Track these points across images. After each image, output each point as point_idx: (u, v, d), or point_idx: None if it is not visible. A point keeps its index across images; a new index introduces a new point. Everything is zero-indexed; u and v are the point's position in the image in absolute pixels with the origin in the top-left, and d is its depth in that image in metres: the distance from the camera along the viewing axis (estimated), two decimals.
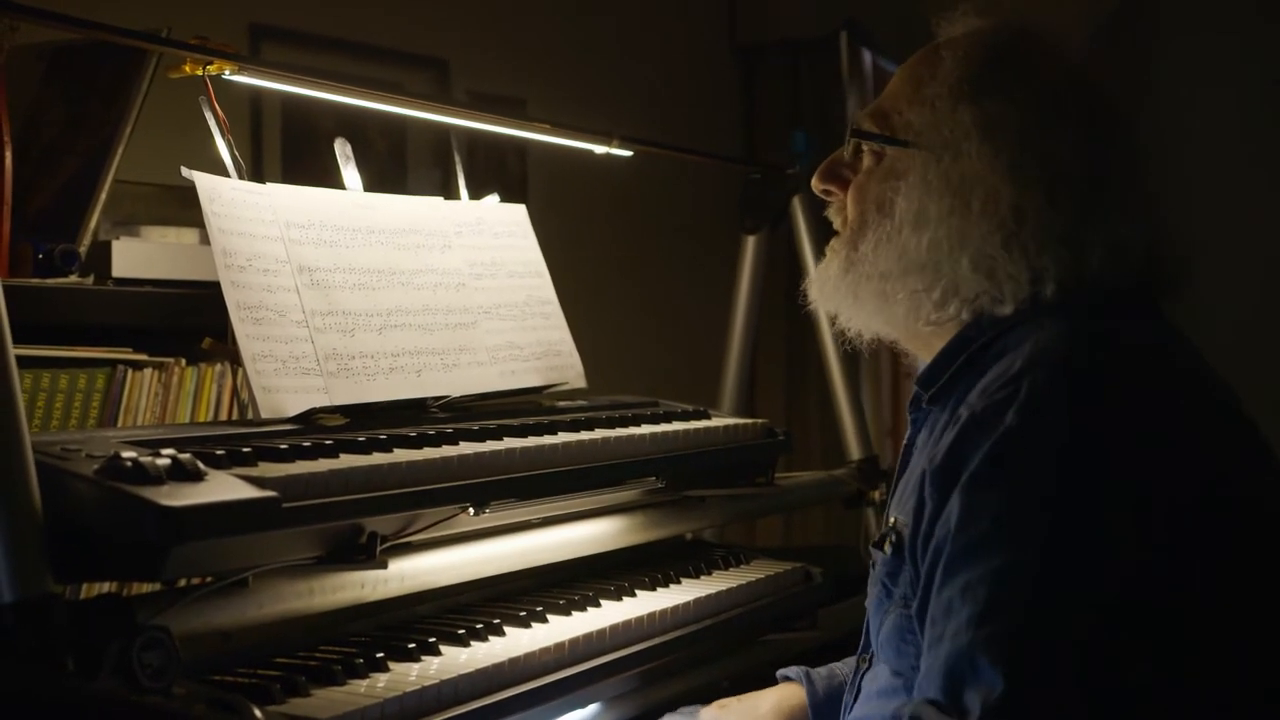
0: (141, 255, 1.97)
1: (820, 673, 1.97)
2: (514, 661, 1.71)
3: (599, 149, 2.58)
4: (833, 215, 1.76)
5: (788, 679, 1.99)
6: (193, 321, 1.91)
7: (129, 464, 1.38)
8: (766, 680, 2.03)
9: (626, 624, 1.93)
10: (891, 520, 1.62)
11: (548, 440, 1.92)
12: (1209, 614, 1.43)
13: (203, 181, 1.85)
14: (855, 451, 2.98)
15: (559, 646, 1.79)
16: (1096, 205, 1.58)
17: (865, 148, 1.70)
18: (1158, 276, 1.62)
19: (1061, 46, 1.67)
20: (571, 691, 1.79)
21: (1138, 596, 1.40)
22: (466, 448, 1.79)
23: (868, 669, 1.70)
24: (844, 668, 1.98)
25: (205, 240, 1.88)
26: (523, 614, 1.89)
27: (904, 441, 1.71)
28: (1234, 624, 1.44)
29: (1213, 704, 1.43)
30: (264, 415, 1.77)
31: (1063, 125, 1.59)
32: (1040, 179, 1.57)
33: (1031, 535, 1.39)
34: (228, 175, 1.92)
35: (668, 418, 2.26)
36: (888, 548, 1.61)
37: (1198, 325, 1.67)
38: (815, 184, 1.76)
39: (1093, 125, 1.61)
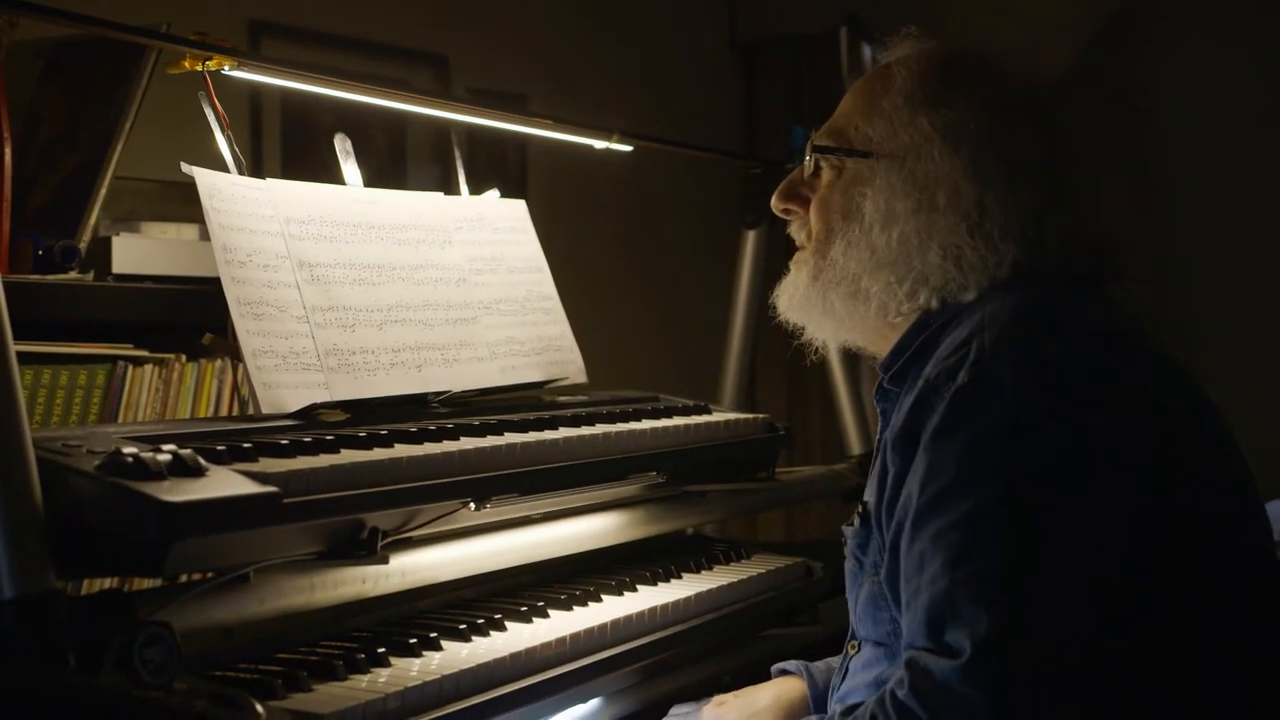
0: (141, 251, 1.97)
1: (819, 666, 1.99)
2: (515, 656, 1.72)
3: (599, 144, 2.58)
4: (795, 232, 1.84)
5: (785, 672, 2.00)
6: (193, 317, 1.91)
7: (130, 460, 1.38)
8: (767, 675, 2.03)
9: (628, 619, 1.93)
10: (862, 501, 1.72)
11: (548, 435, 1.92)
12: (1168, 545, 1.50)
13: (202, 177, 1.85)
14: (856, 446, 2.99)
15: (560, 641, 1.79)
16: (1052, 194, 1.68)
17: (824, 164, 1.79)
18: (1106, 262, 1.72)
19: (1002, 58, 1.78)
20: (572, 686, 1.79)
21: (1101, 528, 1.47)
22: (467, 443, 1.79)
23: (856, 653, 1.75)
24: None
25: (205, 236, 1.88)
26: (524, 609, 1.89)
27: (876, 436, 1.74)
28: (1193, 553, 1.51)
29: (1191, 624, 1.50)
30: (265, 410, 1.77)
31: (1016, 122, 1.70)
32: (999, 173, 1.67)
33: (994, 477, 1.47)
34: (227, 171, 1.92)
35: (668, 413, 2.26)
36: (855, 520, 1.72)
37: (1196, 325, 1.70)
38: (775, 204, 1.85)
39: (1042, 122, 1.72)
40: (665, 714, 2.00)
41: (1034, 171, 1.67)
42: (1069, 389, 1.50)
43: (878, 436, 1.74)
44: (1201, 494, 1.55)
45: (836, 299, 1.74)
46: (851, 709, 1.55)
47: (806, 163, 1.80)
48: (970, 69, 1.75)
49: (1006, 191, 1.65)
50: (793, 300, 1.81)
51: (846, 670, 1.77)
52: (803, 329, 1.83)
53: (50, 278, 1.86)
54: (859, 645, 1.74)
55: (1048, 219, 1.66)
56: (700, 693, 2.04)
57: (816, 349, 1.87)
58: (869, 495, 1.70)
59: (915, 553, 1.49)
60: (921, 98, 1.71)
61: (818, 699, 1.95)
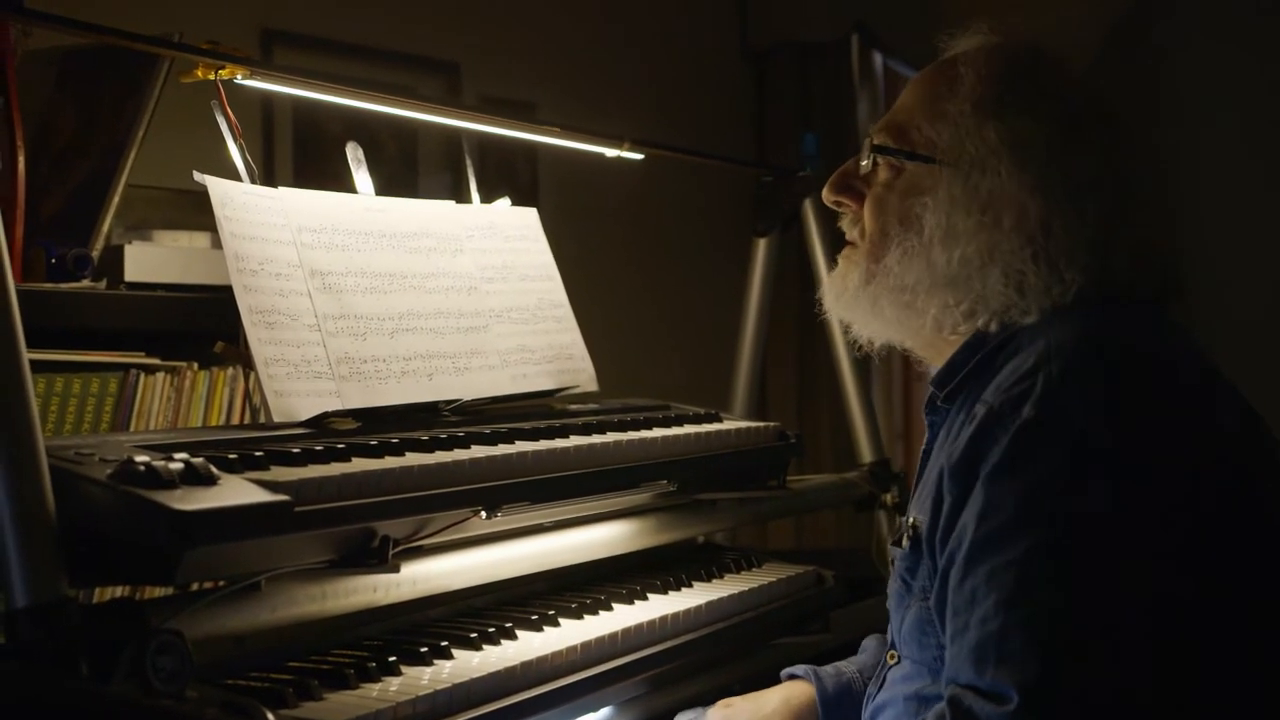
0: (154, 259, 1.98)
1: (828, 670, 1.98)
2: (526, 665, 1.72)
3: (610, 152, 2.58)
4: (847, 226, 1.77)
5: (794, 676, 2.00)
6: (205, 326, 1.92)
7: (142, 468, 1.39)
8: (777, 683, 2.02)
9: (639, 627, 1.93)
10: (910, 519, 1.65)
11: (559, 443, 1.92)
12: (1229, 595, 1.45)
13: (215, 186, 1.86)
14: (867, 454, 2.98)
15: (571, 650, 1.79)
16: (1120, 214, 1.61)
17: (882, 161, 1.71)
18: (1167, 281, 1.66)
19: (1070, 62, 1.71)
20: (584, 695, 1.79)
21: (1161, 577, 1.42)
22: (478, 451, 1.79)
23: (895, 664, 1.72)
24: (849, 666, 1.99)
25: (217, 244, 1.88)
26: (534, 617, 1.89)
27: (923, 445, 1.72)
28: (1253, 603, 1.47)
29: (1245, 680, 1.46)
30: (276, 419, 1.77)
31: (1084, 139, 1.63)
32: (1066, 193, 1.60)
33: (1054, 520, 1.42)
34: (240, 179, 1.92)
35: (679, 421, 2.26)
36: (905, 543, 1.65)
37: (1203, 329, 1.69)
38: (827, 195, 1.78)
39: (1111, 138, 1.65)
40: None
41: (1101, 191, 1.61)
42: (1137, 435, 1.45)
43: (923, 448, 1.71)
44: (1273, 541, 1.49)
45: (888, 305, 1.68)
46: None
47: (864, 158, 1.73)
48: (1039, 76, 1.67)
49: (1073, 212, 1.59)
50: (841, 298, 1.74)
51: (884, 680, 1.73)
52: (849, 325, 1.77)
53: (63, 286, 1.87)
54: (899, 658, 1.70)
55: (1114, 241, 1.60)
56: (710, 701, 2.04)
57: (860, 345, 1.79)
58: (918, 514, 1.63)
59: (967, 589, 1.45)
60: (990, 106, 1.64)
61: (826, 703, 1.94)
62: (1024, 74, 1.68)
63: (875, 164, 1.72)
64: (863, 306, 1.71)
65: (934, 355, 1.73)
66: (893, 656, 1.72)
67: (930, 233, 1.64)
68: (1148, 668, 1.40)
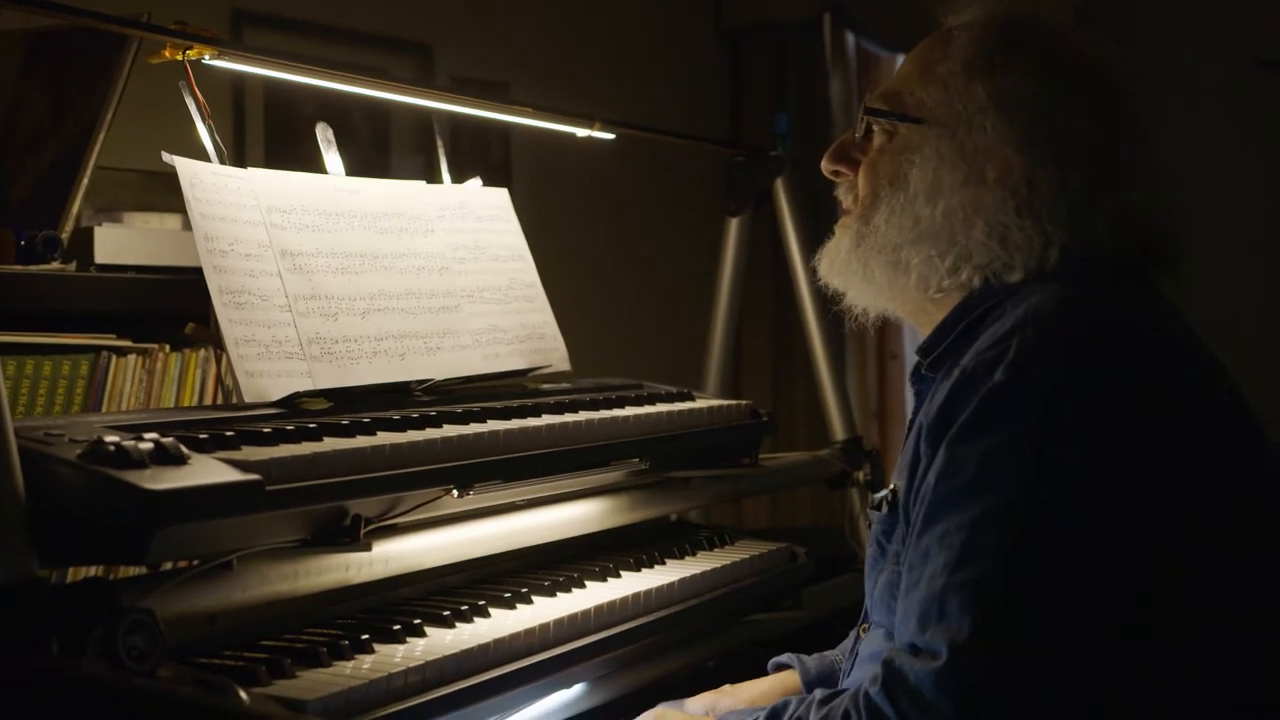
0: (124, 241, 1.97)
1: (812, 657, 1.99)
2: (499, 643, 1.72)
3: (581, 132, 2.58)
4: (842, 195, 1.79)
5: (781, 666, 2.01)
6: (176, 307, 1.91)
7: (112, 448, 1.39)
8: (752, 660, 2.04)
9: (611, 605, 1.94)
10: (891, 485, 1.67)
11: (531, 422, 1.92)
12: (1187, 569, 1.46)
13: (184, 166, 1.85)
14: (840, 432, 2.99)
15: (544, 628, 1.80)
16: (1105, 174, 1.62)
17: (877, 127, 1.73)
18: (1157, 250, 1.66)
19: (1067, 27, 1.72)
20: (556, 672, 1.80)
21: (1116, 549, 1.43)
22: (450, 430, 1.80)
23: (866, 635, 1.73)
24: (834, 653, 2.00)
25: (188, 226, 1.87)
26: (507, 595, 1.90)
27: (909, 417, 1.73)
28: (1215, 579, 1.47)
29: (1189, 660, 1.46)
30: (247, 399, 1.77)
31: (1073, 98, 1.64)
32: (1051, 149, 1.62)
33: (1010, 486, 1.43)
34: (209, 160, 1.92)
35: (652, 400, 2.27)
36: (884, 507, 1.67)
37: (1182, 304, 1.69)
38: (825, 165, 1.79)
39: (1100, 98, 1.66)
40: (649, 698, 2.00)
41: (1088, 149, 1.62)
42: (1103, 409, 1.45)
43: (910, 419, 1.71)
44: (1246, 529, 1.49)
45: (877, 267, 1.70)
46: (830, 697, 1.54)
47: (860, 124, 1.75)
48: (1032, 37, 1.69)
49: (1056, 168, 1.60)
50: (834, 265, 1.76)
51: (856, 656, 1.75)
52: (843, 295, 1.78)
53: (33, 268, 1.86)
54: (870, 626, 1.72)
55: (1098, 201, 1.61)
56: (684, 678, 2.05)
57: (855, 316, 1.81)
58: (897, 479, 1.65)
59: (922, 546, 1.47)
60: (979, 66, 1.66)
61: (809, 684, 1.94)
62: (1017, 35, 1.69)
63: (870, 131, 1.74)
64: (855, 272, 1.73)
65: (925, 321, 1.73)
66: (864, 628, 1.74)
67: (915, 188, 1.66)
68: (1086, 645, 1.41)
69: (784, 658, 2.01)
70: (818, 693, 1.58)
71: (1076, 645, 1.41)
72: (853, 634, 1.95)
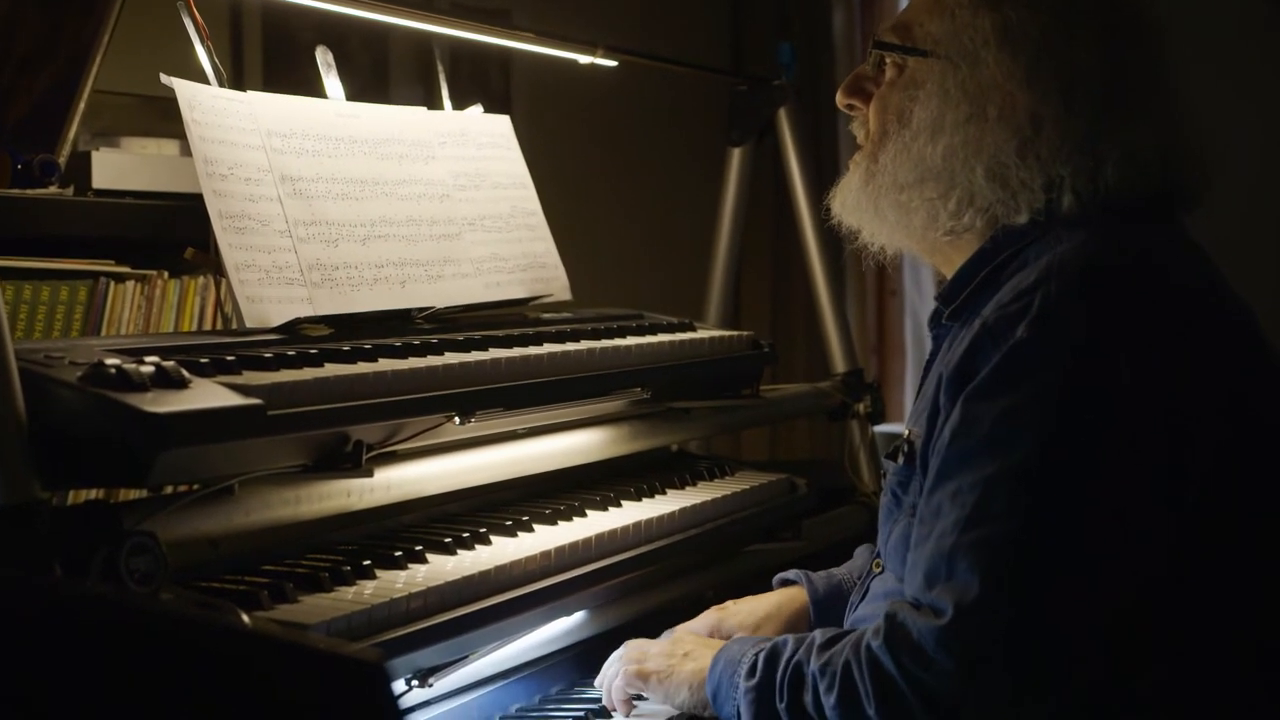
0: (122, 166, 1.96)
1: (819, 574, 1.99)
2: (500, 569, 1.73)
3: (584, 59, 2.55)
4: (856, 129, 1.77)
5: (787, 582, 2.01)
6: (175, 233, 1.90)
7: (113, 371, 1.38)
8: (750, 589, 2.04)
9: (612, 533, 1.94)
10: (906, 433, 1.65)
11: (533, 351, 1.92)
12: (1209, 536, 1.44)
13: (183, 89, 1.83)
14: (840, 364, 2.99)
15: (545, 555, 1.80)
16: (1113, 112, 1.58)
17: (888, 60, 1.70)
18: (1176, 186, 1.62)
19: None
20: (557, 599, 1.81)
21: (1132, 518, 1.41)
22: (451, 357, 1.79)
23: (880, 573, 1.73)
24: (841, 571, 2.00)
25: (186, 151, 1.86)
26: (508, 523, 1.90)
27: (925, 358, 1.72)
28: (1235, 548, 1.46)
29: (1200, 631, 1.45)
30: (248, 324, 1.76)
31: (1082, 31, 1.60)
32: (1057, 86, 1.58)
33: (1028, 447, 1.41)
34: (208, 84, 1.89)
35: (653, 330, 2.26)
36: (900, 458, 1.64)
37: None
38: (840, 99, 1.76)
39: (1113, 31, 1.62)
40: (649, 626, 2.01)
41: (1099, 87, 1.58)
42: (1126, 371, 1.43)
43: (926, 362, 1.70)
44: (1276, 495, 1.48)
45: (888, 207, 1.67)
46: (830, 642, 1.54)
47: (870, 57, 1.72)
48: None
49: (1062, 105, 1.57)
50: (845, 203, 1.73)
51: (867, 590, 1.75)
52: (857, 232, 1.75)
53: (30, 192, 1.85)
54: (883, 568, 1.71)
55: (1106, 140, 1.56)
56: (684, 606, 2.06)
57: (873, 253, 1.77)
58: (913, 427, 1.62)
59: (934, 502, 1.46)
60: None
61: (817, 603, 1.95)
62: None
63: (882, 64, 1.71)
64: (866, 210, 1.70)
65: (942, 262, 1.71)
66: (878, 565, 1.73)
67: (919, 125, 1.63)
68: (1093, 613, 1.40)
69: (791, 574, 2.01)
70: (817, 634, 1.57)
71: (1084, 613, 1.40)
72: (860, 555, 1.95)
